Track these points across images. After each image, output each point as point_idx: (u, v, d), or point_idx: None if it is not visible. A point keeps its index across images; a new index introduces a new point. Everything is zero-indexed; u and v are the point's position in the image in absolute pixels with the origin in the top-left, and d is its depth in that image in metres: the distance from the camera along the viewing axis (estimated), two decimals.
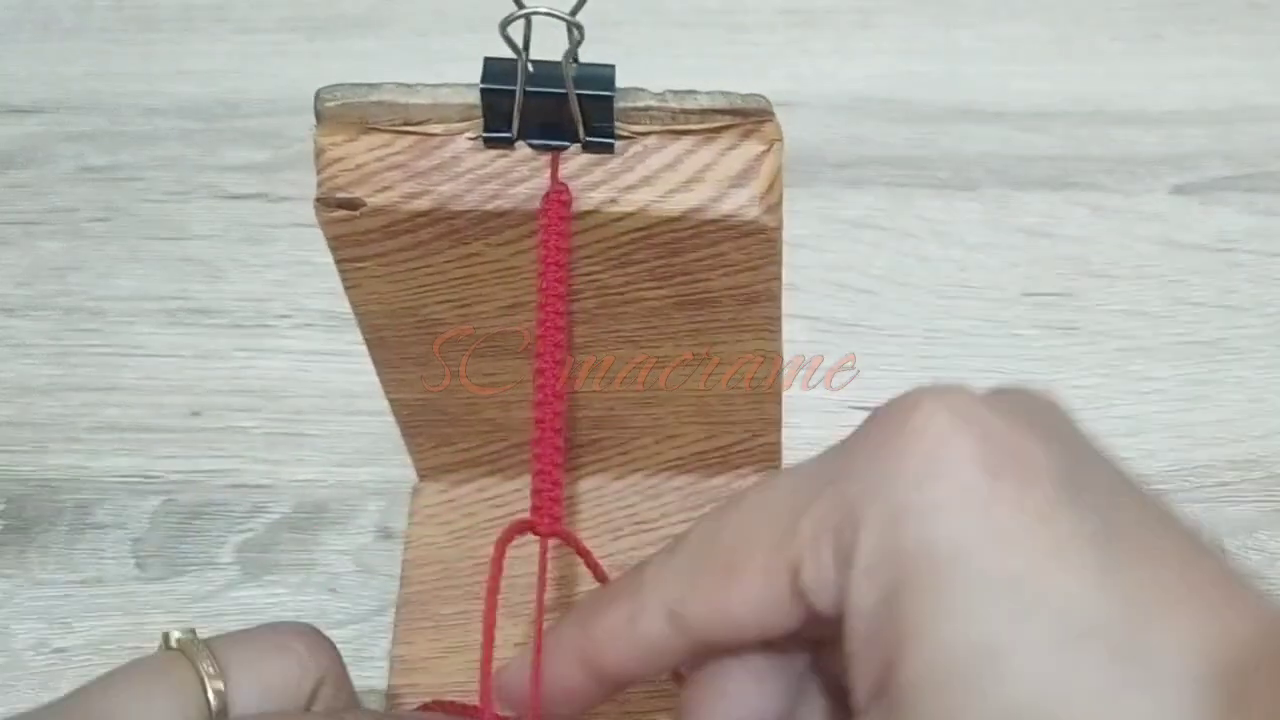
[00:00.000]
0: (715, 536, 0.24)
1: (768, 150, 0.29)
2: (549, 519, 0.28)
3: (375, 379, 0.35)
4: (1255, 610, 0.20)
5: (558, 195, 0.28)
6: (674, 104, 0.28)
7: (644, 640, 0.24)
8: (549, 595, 0.36)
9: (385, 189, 0.29)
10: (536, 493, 0.28)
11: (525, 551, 0.30)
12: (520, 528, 0.28)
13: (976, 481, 0.21)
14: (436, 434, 0.38)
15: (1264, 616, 0.20)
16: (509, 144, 0.29)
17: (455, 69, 0.28)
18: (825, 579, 0.22)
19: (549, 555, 0.28)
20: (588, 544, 0.30)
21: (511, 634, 0.36)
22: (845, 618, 0.21)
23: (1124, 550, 0.20)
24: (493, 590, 0.29)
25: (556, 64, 0.27)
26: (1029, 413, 0.22)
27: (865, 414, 0.23)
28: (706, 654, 0.24)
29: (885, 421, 0.22)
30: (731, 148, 0.29)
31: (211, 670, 0.25)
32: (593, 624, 0.25)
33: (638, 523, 0.39)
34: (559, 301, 0.29)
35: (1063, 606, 0.20)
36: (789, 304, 0.33)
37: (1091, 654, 0.19)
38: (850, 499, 0.22)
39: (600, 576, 0.31)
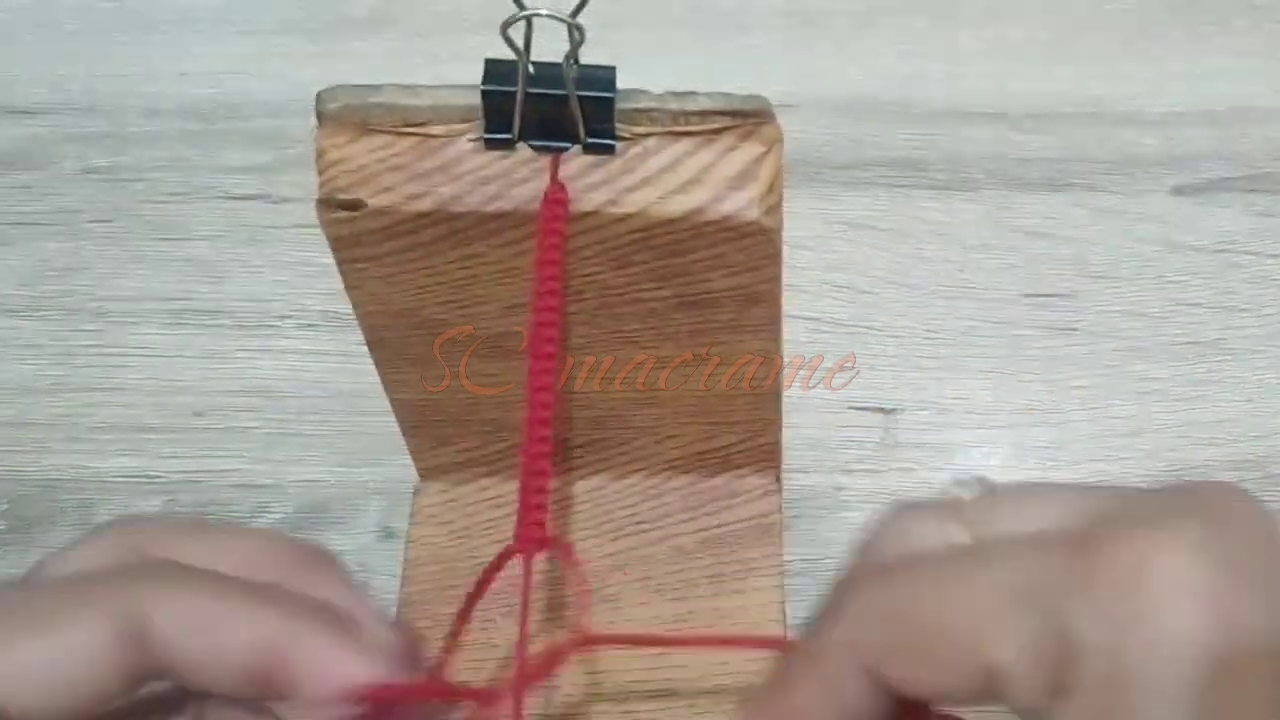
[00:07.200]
0: (910, 615, 0.23)
1: (768, 151, 0.29)
2: (535, 534, 0.28)
3: (376, 379, 0.35)
4: None
5: (554, 196, 0.28)
6: (674, 105, 0.28)
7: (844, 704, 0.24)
8: (543, 597, 0.36)
9: (386, 190, 0.29)
10: (522, 507, 0.28)
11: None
12: (508, 553, 0.28)
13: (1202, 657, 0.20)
14: (437, 434, 0.38)
15: None
16: (510, 145, 0.29)
17: (456, 70, 0.28)
18: (1032, 698, 0.22)
19: (545, 560, 0.28)
20: (587, 544, 0.30)
21: (511, 634, 0.36)
22: None
23: None
24: (462, 618, 0.28)
25: (557, 65, 0.27)
26: (1246, 551, 0.22)
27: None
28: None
29: (1103, 554, 0.22)
30: (732, 149, 0.29)
31: None
32: (785, 699, 0.24)
33: (638, 523, 0.39)
34: (553, 299, 0.29)
35: None
36: (789, 304, 0.33)
37: None
38: (1071, 638, 0.21)
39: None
